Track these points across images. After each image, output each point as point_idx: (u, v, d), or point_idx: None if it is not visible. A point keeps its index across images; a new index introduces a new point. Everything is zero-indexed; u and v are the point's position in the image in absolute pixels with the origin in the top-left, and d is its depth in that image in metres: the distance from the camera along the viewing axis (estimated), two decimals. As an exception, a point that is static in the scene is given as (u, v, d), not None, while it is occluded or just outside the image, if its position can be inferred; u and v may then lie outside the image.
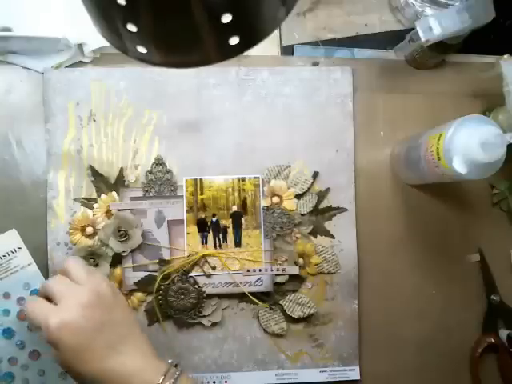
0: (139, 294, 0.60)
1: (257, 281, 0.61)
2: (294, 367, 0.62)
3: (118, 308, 0.49)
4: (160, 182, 0.61)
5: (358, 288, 0.63)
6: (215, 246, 0.61)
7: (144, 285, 0.60)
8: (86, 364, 0.45)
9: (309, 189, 0.63)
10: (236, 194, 0.61)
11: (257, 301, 0.61)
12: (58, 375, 0.57)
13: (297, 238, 0.62)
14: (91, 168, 0.61)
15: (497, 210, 0.65)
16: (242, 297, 0.61)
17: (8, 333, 0.57)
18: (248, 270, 0.61)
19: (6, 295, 0.57)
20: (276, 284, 0.61)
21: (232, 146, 0.63)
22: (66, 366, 0.46)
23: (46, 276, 0.59)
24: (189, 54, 0.31)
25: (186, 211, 0.61)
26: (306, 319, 0.62)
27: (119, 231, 0.59)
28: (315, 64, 0.65)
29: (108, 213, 0.61)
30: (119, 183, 0.61)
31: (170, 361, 0.48)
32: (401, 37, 0.61)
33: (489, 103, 0.65)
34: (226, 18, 0.28)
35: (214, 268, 0.61)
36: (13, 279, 0.57)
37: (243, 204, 0.61)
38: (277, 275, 0.61)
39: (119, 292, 0.52)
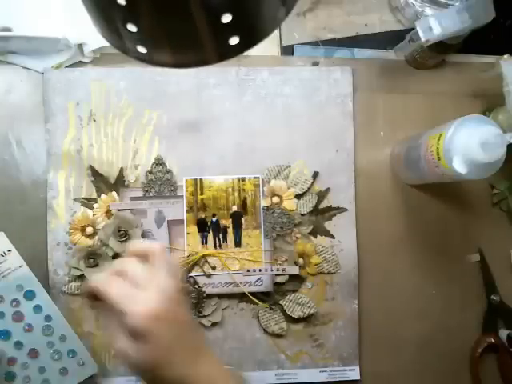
0: (139, 294, 0.60)
1: (257, 281, 0.61)
2: (294, 367, 0.62)
3: (185, 309, 0.42)
4: (160, 182, 0.61)
5: (358, 288, 0.63)
6: (215, 246, 0.61)
7: (144, 285, 0.60)
8: (173, 367, 0.38)
9: (309, 189, 0.63)
10: (236, 193, 0.61)
11: (257, 301, 0.61)
12: (59, 371, 0.57)
13: (297, 237, 0.62)
14: (91, 168, 0.61)
15: (497, 210, 0.65)
16: (241, 297, 0.61)
17: (4, 334, 0.57)
18: (248, 270, 0.61)
19: (0, 298, 0.57)
20: (276, 284, 0.61)
21: (232, 146, 0.63)
22: (150, 367, 0.38)
23: (41, 277, 0.59)
24: (189, 54, 0.31)
25: (186, 211, 0.61)
26: (306, 319, 0.62)
27: (119, 231, 0.59)
28: (315, 64, 0.65)
29: (108, 213, 0.61)
30: (119, 183, 0.61)
31: (230, 367, 0.44)
32: (401, 37, 0.61)
33: (489, 103, 0.65)
34: (226, 18, 0.28)
35: (213, 268, 0.61)
36: (5, 282, 0.57)
37: (243, 204, 0.61)
38: (277, 275, 0.61)
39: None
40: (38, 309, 0.58)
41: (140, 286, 0.38)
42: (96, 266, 0.59)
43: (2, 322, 0.57)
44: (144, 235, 0.60)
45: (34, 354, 0.57)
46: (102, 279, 0.39)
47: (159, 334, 0.37)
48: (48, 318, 0.58)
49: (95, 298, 0.40)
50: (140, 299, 0.37)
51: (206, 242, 0.61)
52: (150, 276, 0.39)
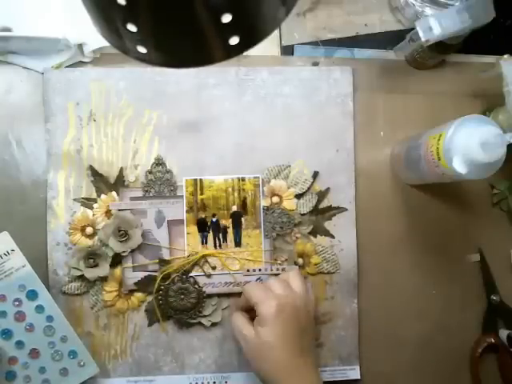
0: (139, 294, 0.60)
1: (257, 280, 0.61)
2: (294, 367, 0.62)
3: (309, 319, 0.55)
4: (160, 182, 0.61)
5: (358, 288, 0.63)
6: (215, 246, 0.61)
7: (144, 285, 0.60)
8: (282, 353, 0.51)
9: (309, 189, 0.63)
10: (236, 193, 0.61)
11: (257, 301, 0.61)
12: (59, 372, 0.57)
13: (297, 237, 0.62)
14: (91, 168, 0.61)
15: (497, 210, 0.65)
16: (241, 297, 0.61)
17: (6, 334, 0.57)
18: (248, 270, 0.61)
19: (2, 297, 0.57)
20: (276, 284, 0.61)
21: (232, 146, 0.63)
22: (266, 347, 0.51)
23: (43, 277, 0.59)
24: (189, 54, 0.31)
25: (186, 211, 0.61)
26: (306, 319, 0.62)
27: (119, 231, 0.59)
28: (315, 64, 0.65)
29: (108, 213, 0.61)
30: (119, 183, 0.61)
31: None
32: (401, 37, 0.61)
33: (489, 103, 0.65)
34: (226, 18, 0.28)
35: (214, 268, 0.61)
36: (8, 281, 0.57)
37: (243, 204, 0.61)
38: (277, 275, 0.61)
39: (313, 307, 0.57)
40: (39, 309, 0.58)
41: (273, 290, 0.54)
42: (96, 266, 0.59)
43: (3, 322, 0.57)
44: (144, 235, 0.60)
45: (34, 353, 0.57)
46: (248, 285, 0.56)
47: (277, 324, 0.51)
48: (50, 318, 0.58)
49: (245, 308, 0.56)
50: (273, 298, 0.52)
51: (206, 242, 0.61)
52: (285, 286, 0.54)
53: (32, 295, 0.57)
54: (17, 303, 0.57)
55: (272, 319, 0.51)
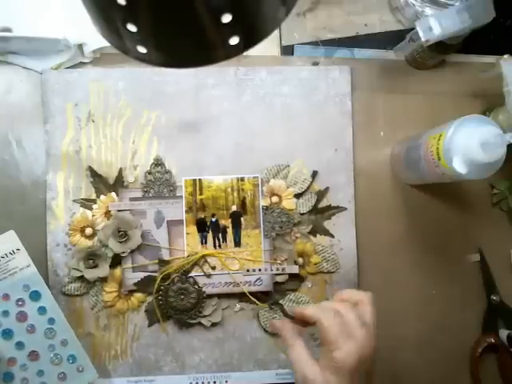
0: (139, 295, 0.60)
1: (256, 280, 0.61)
2: (294, 367, 0.62)
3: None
4: (159, 183, 0.61)
5: (358, 287, 0.63)
6: (215, 246, 0.61)
7: (144, 285, 0.60)
8: None
9: (308, 188, 0.63)
10: (235, 193, 0.61)
11: (256, 301, 0.60)
12: (57, 376, 0.57)
13: (296, 237, 0.62)
14: (90, 169, 0.61)
15: (497, 210, 0.65)
16: (241, 296, 0.61)
17: (7, 334, 0.57)
18: (248, 270, 0.61)
19: (5, 296, 0.57)
20: (276, 283, 0.61)
21: (231, 146, 0.62)
22: None
23: (45, 277, 0.59)
24: (189, 54, 0.31)
25: (186, 211, 0.61)
26: (306, 319, 0.62)
27: (119, 232, 0.59)
28: (315, 64, 0.65)
29: (107, 213, 0.60)
30: (118, 184, 0.61)
31: None
32: (401, 37, 0.61)
33: (489, 103, 0.65)
34: (226, 18, 0.28)
35: (213, 268, 0.61)
36: (12, 281, 0.57)
37: (242, 204, 0.61)
38: (276, 275, 0.61)
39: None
40: (42, 310, 0.57)
41: (353, 332, 0.44)
42: (96, 266, 0.59)
43: (5, 321, 0.57)
44: (143, 236, 0.60)
45: (34, 356, 0.57)
46: (321, 313, 0.45)
47: (353, 377, 0.43)
48: (51, 320, 0.57)
49: (302, 322, 0.47)
50: (352, 343, 0.43)
51: (206, 242, 0.61)
52: (361, 324, 0.45)
53: (35, 296, 0.57)
54: (20, 303, 0.57)
55: (349, 371, 0.43)
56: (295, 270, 0.61)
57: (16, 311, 0.57)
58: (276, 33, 0.65)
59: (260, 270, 0.61)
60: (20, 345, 0.57)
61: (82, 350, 0.58)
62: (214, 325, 0.61)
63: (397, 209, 0.64)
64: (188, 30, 0.29)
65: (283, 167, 0.62)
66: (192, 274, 0.61)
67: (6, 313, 0.57)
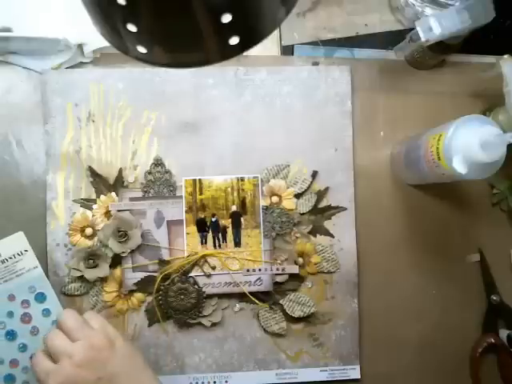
0: (139, 295, 0.60)
1: (256, 280, 0.61)
2: (295, 366, 0.62)
3: (115, 359, 0.49)
4: (159, 183, 0.61)
5: (358, 287, 0.63)
6: (215, 246, 0.61)
7: (144, 285, 0.60)
8: None
9: (308, 188, 0.63)
10: (235, 193, 0.61)
11: (256, 301, 0.61)
12: None
13: (296, 237, 0.62)
14: (90, 169, 0.61)
15: (497, 210, 0.65)
16: (241, 297, 0.61)
17: (11, 335, 0.57)
18: (248, 270, 0.61)
19: (11, 297, 0.57)
20: (276, 283, 0.61)
21: (231, 146, 0.62)
22: None
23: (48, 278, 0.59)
24: (189, 54, 0.31)
25: (186, 211, 0.61)
26: (306, 318, 0.62)
27: (119, 232, 0.59)
28: (315, 64, 0.65)
29: (107, 213, 0.60)
30: (118, 184, 0.61)
31: None
32: (401, 37, 0.61)
33: (489, 103, 0.65)
34: (226, 18, 0.28)
35: (213, 268, 0.61)
36: (18, 282, 0.57)
37: (242, 204, 0.61)
38: (276, 275, 0.61)
39: (119, 336, 0.51)
40: (46, 312, 0.57)
41: (58, 359, 0.48)
42: (96, 266, 0.59)
43: (9, 322, 0.57)
44: (143, 236, 0.60)
45: None
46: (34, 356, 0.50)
47: (82, 378, 0.47)
48: (55, 323, 0.57)
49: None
50: (49, 375, 0.47)
51: (206, 242, 0.61)
52: (63, 347, 0.48)
53: (41, 298, 0.57)
54: (25, 305, 0.57)
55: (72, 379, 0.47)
56: (295, 270, 0.61)
57: (21, 312, 0.57)
58: (276, 33, 0.65)
59: (260, 270, 0.61)
60: (23, 347, 0.57)
61: None
62: (214, 325, 0.61)
63: (397, 209, 0.64)
64: (188, 30, 0.29)
65: (283, 167, 0.62)
66: (192, 274, 0.61)
67: (10, 314, 0.57)
